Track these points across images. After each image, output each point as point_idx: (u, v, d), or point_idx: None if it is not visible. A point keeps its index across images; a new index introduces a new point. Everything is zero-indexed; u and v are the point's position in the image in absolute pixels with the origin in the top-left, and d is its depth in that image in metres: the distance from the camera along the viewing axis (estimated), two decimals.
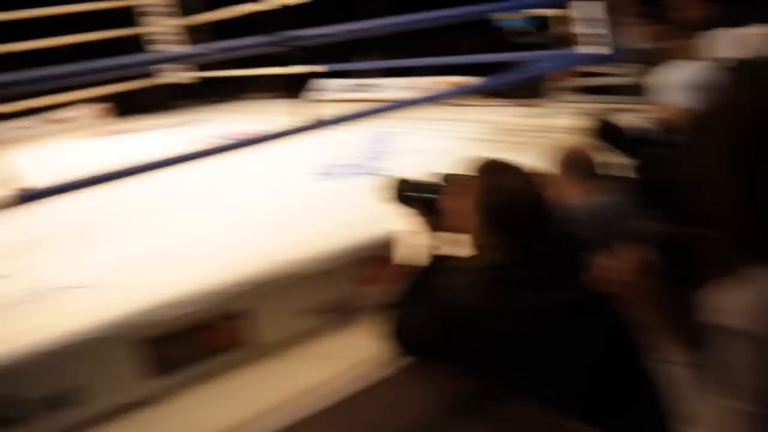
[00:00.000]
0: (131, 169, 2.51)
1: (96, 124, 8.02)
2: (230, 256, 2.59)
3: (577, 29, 3.58)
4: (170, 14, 8.04)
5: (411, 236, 1.41)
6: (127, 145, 6.10)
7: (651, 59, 2.91)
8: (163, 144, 5.69)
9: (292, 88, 5.84)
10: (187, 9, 8.24)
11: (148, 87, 7.80)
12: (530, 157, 1.53)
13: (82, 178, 2.40)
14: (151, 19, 8.00)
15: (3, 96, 4.50)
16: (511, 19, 7.89)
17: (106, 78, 6.49)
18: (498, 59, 4.31)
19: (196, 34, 8.34)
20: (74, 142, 6.79)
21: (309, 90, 6.70)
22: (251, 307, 2.27)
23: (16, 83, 2.27)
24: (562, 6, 3.97)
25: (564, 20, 4.23)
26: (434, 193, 1.38)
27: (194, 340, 2.11)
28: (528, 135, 4.08)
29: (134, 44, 8.14)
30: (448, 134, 4.61)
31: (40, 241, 3.13)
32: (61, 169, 4.60)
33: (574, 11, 3.58)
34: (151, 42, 8.06)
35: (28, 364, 1.89)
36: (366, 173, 3.68)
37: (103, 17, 7.69)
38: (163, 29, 8.02)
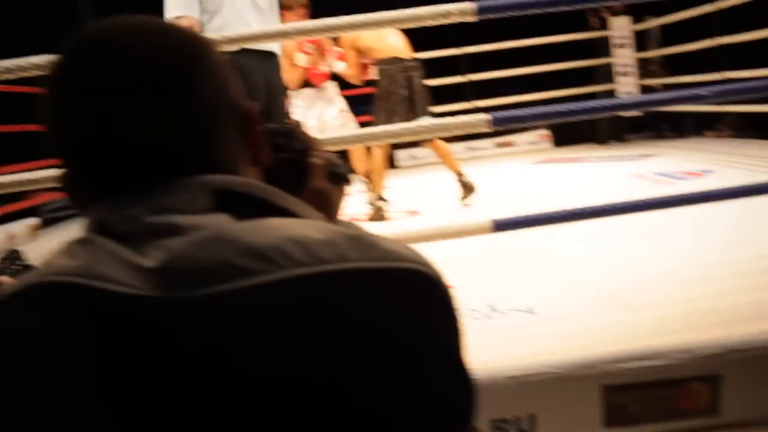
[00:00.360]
0: (606, 208, 2.45)
1: (539, 150, 8.33)
2: (693, 308, 2.38)
3: None
4: (627, 46, 7.98)
5: None
6: (575, 175, 6.19)
7: None
8: (614, 176, 5.66)
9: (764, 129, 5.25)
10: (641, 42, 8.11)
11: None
12: None
13: (552, 213, 2.42)
14: (616, 50, 8.03)
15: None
16: None
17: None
18: None
19: (648, 66, 8.14)
20: (522, 166, 7.11)
21: None
22: (721, 373, 2.02)
23: (518, 119, 2.40)
24: None
25: None
26: None
27: (660, 397, 1.95)
28: None
29: (588, 74, 8.30)
30: None
31: (487, 256, 3.28)
32: (521, 195, 5.06)
33: None
34: (609, 73, 8.11)
35: (490, 384, 1.94)
36: None
37: (562, 48, 8.05)
38: (622, 61, 7.99)
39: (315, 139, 0.96)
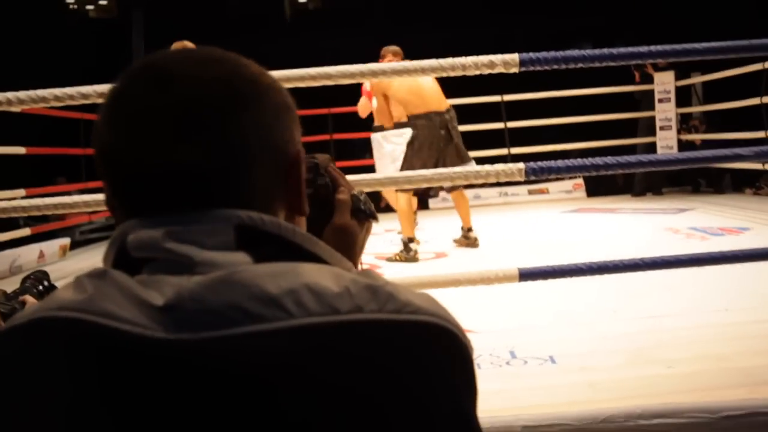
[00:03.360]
0: (632, 263, 2.44)
1: (570, 198, 8.31)
2: (721, 367, 2.35)
3: None
4: (669, 101, 7.97)
5: None
6: (606, 225, 6.15)
7: None
8: (647, 229, 5.61)
9: None
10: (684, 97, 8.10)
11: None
12: None
13: (579, 265, 2.42)
14: (658, 105, 8.04)
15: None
16: None
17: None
18: None
19: (689, 122, 8.11)
20: (555, 214, 7.09)
21: None
22: None
23: (552, 170, 2.43)
24: None
25: None
26: None
27: None
28: None
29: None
30: None
31: (512, 301, 3.28)
32: (550, 243, 5.06)
33: None
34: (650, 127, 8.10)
35: None
36: None
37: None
38: (664, 115, 7.98)
39: (341, 175, 0.94)
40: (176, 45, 5.74)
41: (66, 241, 6.04)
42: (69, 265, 5.23)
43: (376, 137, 5.42)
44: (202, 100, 0.59)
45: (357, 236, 0.91)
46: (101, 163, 0.62)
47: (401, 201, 4.99)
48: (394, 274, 4.20)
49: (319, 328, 0.52)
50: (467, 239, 5.29)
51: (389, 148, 5.20)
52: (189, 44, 5.81)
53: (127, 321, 0.52)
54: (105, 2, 15.12)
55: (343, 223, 0.89)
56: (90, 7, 15.24)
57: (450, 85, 5.27)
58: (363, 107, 5.57)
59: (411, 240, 4.97)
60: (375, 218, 0.94)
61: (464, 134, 5.68)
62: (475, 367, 0.60)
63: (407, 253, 4.89)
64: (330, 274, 0.56)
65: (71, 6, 14.83)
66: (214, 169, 0.59)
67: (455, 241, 5.41)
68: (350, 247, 0.89)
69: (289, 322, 0.51)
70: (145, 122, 0.59)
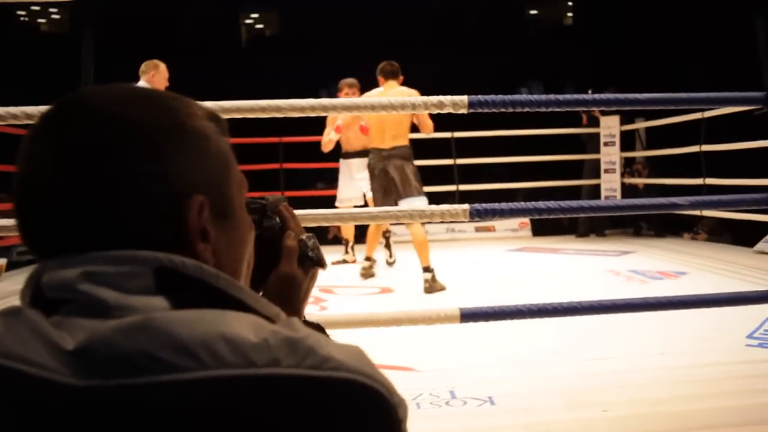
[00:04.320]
0: (573, 307, 2.49)
1: (515, 237, 8.43)
2: (655, 411, 2.40)
3: None
4: (614, 144, 8.21)
5: None
6: (550, 266, 6.25)
7: None
8: (588, 271, 5.72)
9: (740, 235, 5.38)
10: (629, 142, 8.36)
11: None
12: None
13: (520, 307, 2.45)
14: (603, 148, 8.27)
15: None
16: None
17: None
18: None
19: (633, 166, 8.35)
20: (500, 252, 7.18)
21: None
22: None
23: (496, 212, 2.47)
24: None
25: None
26: None
27: None
28: None
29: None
30: None
31: (453, 339, 3.29)
32: (494, 282, 5.11)
33: None
34: (596, 169, 8.32)
35: None
36: None
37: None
38: (609, 158, 8.21)
39: (293, 216, 0.90)
40: (149, 63, 5.72)
41: (2, 261, 5.85)
42: (4, 287, 5.05)
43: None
44: (109, 137, 0.58)
45: (301, 285, 0.87)
46: (12, 193, 0.61)
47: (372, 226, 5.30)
48: (338, 309, 4.19)
49: (233, 381, 0.50)
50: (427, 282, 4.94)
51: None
52: (161, 64, 5.77)
53: (36, 364, 0.50)
54: (57, 17, 14.89)
55: (288, 272, 0.86)
56: (42, 20, 15.00)
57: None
58: (327, 143, 5.70)
59: (369, 258, 5.35)
60: (322, 266, 0.90)
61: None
62: (406, 428, 0.59)
63: (368, 269, 5.20)
64: (249, 324, 0.54)
65: (22, 19, 14.56)
66: (123, 209, 0.57)
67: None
68: (294, 296, 0.86)
69: (201, 373, 0.50)
70: (47, 154, 0.58)
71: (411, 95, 4.45)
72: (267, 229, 0.86)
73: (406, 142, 5.11)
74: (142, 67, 5.57)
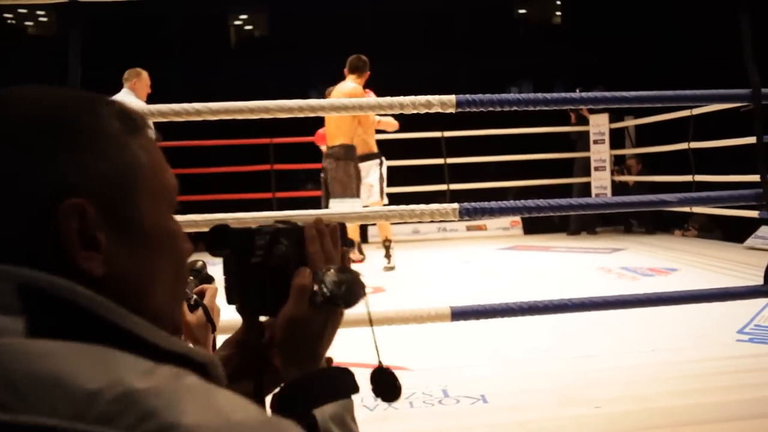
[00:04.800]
0: (564, 304, 2.50)
1: (507, 235, 8.45)
2: (645, 407, 2.41)
3: None
4: (603, 142, 8.24)
5: None
6: (541, 264, 6.27)
7: None
8: (579, 268, 5.74)
9: (730, 232, 5.41)
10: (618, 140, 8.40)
11: None
12: None
13: (511, 305, 2.46)
14: (592, 146, 8.30)
15: None
16: None
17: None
18: None
19: (622, 163, 8.39)
20: (491, 251, 7.19)
21: (757, 237, 6.15)
22: None
23: (486, 211, 2.48)
24: None
25: None
26: None
27: None
28: None
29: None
30: None
31: (446, 338, 3.30)
32: (485, 280, 5.12)
33: None
34: (586, 167, 8.35)
35: None
36: None
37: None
38: (598, 156, 8.24)
39: (322, 246, 0.79)
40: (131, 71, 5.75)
41: None
42: None
43: None
44: None
45: (311, 328, 0.77)
46: None
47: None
48: None
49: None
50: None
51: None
52: (143, 72, 5.80)
53: None
54: (45, 19, 14.82)
55: (293, 314, 0.76)
56: (29, 23, 14.93)
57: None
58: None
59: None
60: (339, 305, 0.77)
61: (405, 169, 5.84)
62: None
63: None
64: (97, 366, 0.47)
65: (9, 21, 14.48)
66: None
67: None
68: (303, 341, 0.78)
69: (23, 416, 0.44)
70: None
71: (347, 95, 4.81)
72: (275, 258, 0.77)
73: (344, 142, 5.19)
74: (125, 74, 5.65)
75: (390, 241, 5.84)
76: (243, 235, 0.78)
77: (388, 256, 5.82)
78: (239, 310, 0.79)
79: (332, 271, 0.76)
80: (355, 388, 0.81)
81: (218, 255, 0.79)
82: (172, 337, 0.56)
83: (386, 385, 0.82)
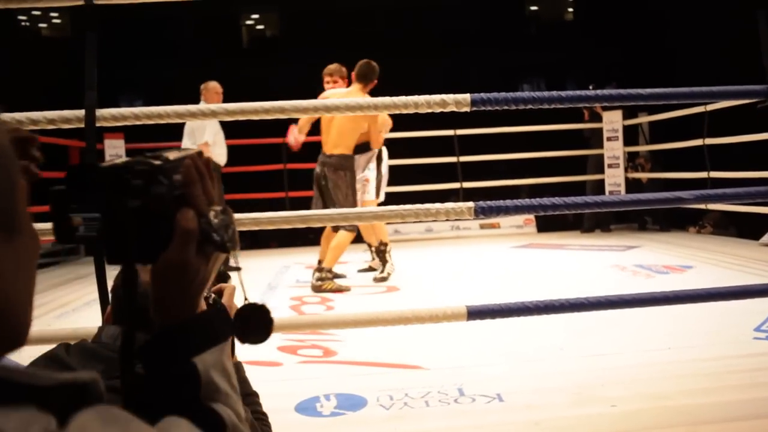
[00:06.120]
0: (579, 303, 2.49)
1: (520, 233, 8.43)
2: (661, 406, 2.40)
3: None
4: (617, 139, 8.20)
5: None
6: (555, 262, 6.25)
7: None
8: (594, 266, 5.72)
9: (746, 228, 5.37)
10: (632, 136, 8.36)
11: None
12: None
13: (527, 304, 2.46)
14: (606, 143, 8.26)
15: None
16: None
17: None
18: None
19: (636, 160, 8.34)
20: (505, 249, 7.18)
21: None
22: None
23: (501, 209, 2.48)
24: None
25: None
26: None
27: None
28: None
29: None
30: None
31: (461, 337, 3.30)
32: (500, 279, 5.12)
33: None
34: (599, 164, 8.31)
35: None
36: None
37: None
38: (612, 153, 8.20)
39: (203, 183, 0.72)
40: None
41: None
42: None
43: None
44: None
45: (196, 273, 0.72)
46: None
47: (341, 235, 5.02)
48: (344, 308, 4.19)
49: None
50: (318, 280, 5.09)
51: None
52: (210, 82, 5.95)
53: None
54: (58, 21, 14.92)
55: (177, 259, 0.70)
56: (43, 25, 15.03)
57: (404, 118, 5.35)
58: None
59: (330, 271, 5.08)
60: (226, 249, 0.72)
61: (417, 167, 5.79)
62: None
63: (328, 283, 4.99)
64: None
65: (23, 23, 14.59)
66: None
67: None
68: (186, 289, 0.72)
69: None
70: None
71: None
72: (155, 198, 0.68)
73: (345, 152, 5.08)
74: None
75: (386, 244, 5.38)
76: (113, 174, 0.68)
77: (383, 262, 5.36)
78: (112, 259, 0.70)
79: (217, 213, 0.71)
80: (231, 329, 0.78)
81: (81, 198, 0.69)
82: (49, 373, 0.50)
83: (254, 322, 0.77)
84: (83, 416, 0.46)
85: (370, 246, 5.74)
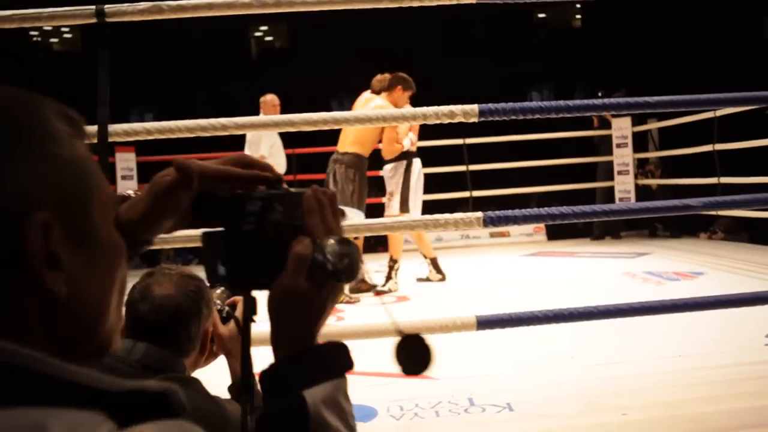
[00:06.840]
0: (589, 311, 2.49)
1: (530, 241, 8.42)
2: (673, 414, 2.40)
3: None
4: (626, 146, 8.19)
5: None
6: (565, 270, 6.24)
7: None
8: (604, 273, 5.71)
9: (757, 234, 5.35)
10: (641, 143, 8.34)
11: None
12: None
13: (537, 313, 2.46)
14: (615, 150, 8.25)
15: None
16: None
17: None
18: None
19: (645, 167, 8.33)
20: (515, 257, 7.15)
21: None
22: None
23: (510, 219, 2.49)
24: None
25: None
26: None
27: None
28: None
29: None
30: None
31: (471, 346, 3.30)
32: (510, 288, 5.10)
33: None
34: (609, 171, 8.30)
35: None
36: None
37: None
38: (621, 160, 8.19)
39: (321, 212, 0.72)
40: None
41: None
42: None
43: None
44: None
45: (309, 302, 0.70)
46: None
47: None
48: (355, 319, 4.20)
49: None
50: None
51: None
52: (268, 95, 6.03)
53: None
54: (69, 36, 15.06)
55: (288, 285, 0.69)
56: (54, 40, 15.18)
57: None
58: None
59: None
60: (338, 278, 0.70)
61: (427, 177, 5.78)
62: None
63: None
64: None
65: (35, 39, 14.74)
66: None
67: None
68: (298, 316, 0.71)
69: None
70: None
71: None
72: (269, 225, 0.70)
73: (358, 151, 5.08)
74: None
75: (396, 261, 5.32)
76: (232, 201, 0.71)
77: (389, 277, 5.30)
78: (228, 284, 0.73)
79: (333, 242, 0.70)
80: (350, 364, 0.74)
81: (203, 225, 0.73)
82: (116, 379, 0.49)
83: (414, 353, 0.75)
84: (142, 428, 0.45)
85: (425, 257, 5.67)
